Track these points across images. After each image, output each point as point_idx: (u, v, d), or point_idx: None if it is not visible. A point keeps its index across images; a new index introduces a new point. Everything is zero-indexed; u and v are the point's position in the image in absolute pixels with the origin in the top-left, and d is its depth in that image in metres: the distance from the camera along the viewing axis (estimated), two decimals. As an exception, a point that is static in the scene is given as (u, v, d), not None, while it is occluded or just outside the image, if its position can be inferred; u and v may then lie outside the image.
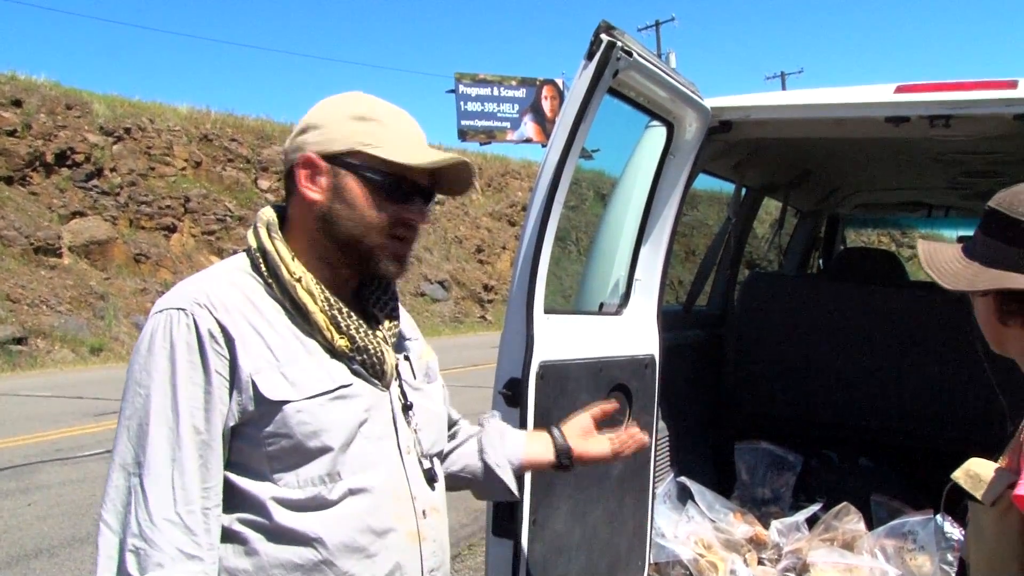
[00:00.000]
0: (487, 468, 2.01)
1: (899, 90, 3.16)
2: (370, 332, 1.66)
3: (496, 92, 32.18)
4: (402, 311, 1.93)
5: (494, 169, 35.08)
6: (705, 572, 3.21)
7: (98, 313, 18.64)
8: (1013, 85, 2.99)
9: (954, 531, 3.15)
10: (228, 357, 1.53)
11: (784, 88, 37.29)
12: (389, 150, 1.62)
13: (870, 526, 3.35)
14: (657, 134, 3.20)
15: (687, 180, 3.19)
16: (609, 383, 2.84)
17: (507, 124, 32.21)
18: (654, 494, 3.19)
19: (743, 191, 4.72)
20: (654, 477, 3.16)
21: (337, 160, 1.63)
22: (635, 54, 2.50)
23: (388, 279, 1.70)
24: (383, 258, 1.66)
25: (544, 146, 2.54)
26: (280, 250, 1.64)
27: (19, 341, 16.50)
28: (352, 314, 1.65)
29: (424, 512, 1.69)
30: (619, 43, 2.39)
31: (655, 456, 3.16)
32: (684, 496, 3.49)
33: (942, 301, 4.31)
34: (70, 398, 12.10)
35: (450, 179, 1.73)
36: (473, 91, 31.81)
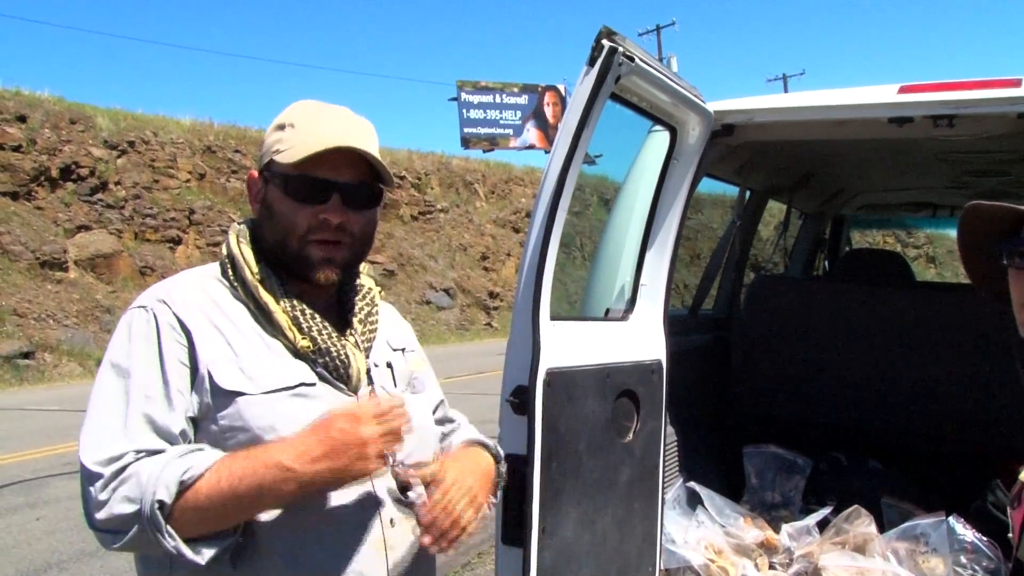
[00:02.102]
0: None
1: (902, 90, 3.15)
2: (335, 335, 1.65)
3: (498, 99, 32.23)
4: (398, 320, 1.96)
5: (497, 176, 35.12)
6: (716, 577, 3.19)
7: (105, 326, 18.66)
8: (1017, 83, 2.98)
9: (966, 533, 3.13)
10: (187, 346, 1.55)
11: (786, 90, 37.29)
12: (291, 152, 1.61)
13: (881, 529, 3.33)
14: (660, 139, 3.19)
15: (691, 184, 3.19)
16: (616, 389, 2.83)
17: (510, 131, 32.24)
18: (663, 500, 3.18)
19: (747, 194, 4.72)
20: (663, 482, 3.15)
21: (263, 174, 1.68)
22: (637, 59, 2.49)
23: (324, 285, 1.66)
24: (311, 264, 1.64)
25: (547, 152, 2.53)
26: (245, 253, 1.66)
27: (26, 355, 16.54)
28: (316, 316, 1.64)
29: (392, 521, 1.65)
30: (621, 48, 2.39)
31: (664, 462, 3.15)
32: (693, 501, 3.47)
33: (949, 301, 4.32)
34: (77, 412, 12.06)
35: (364, 169, 1.66)
36: (475, 98, 31.84)
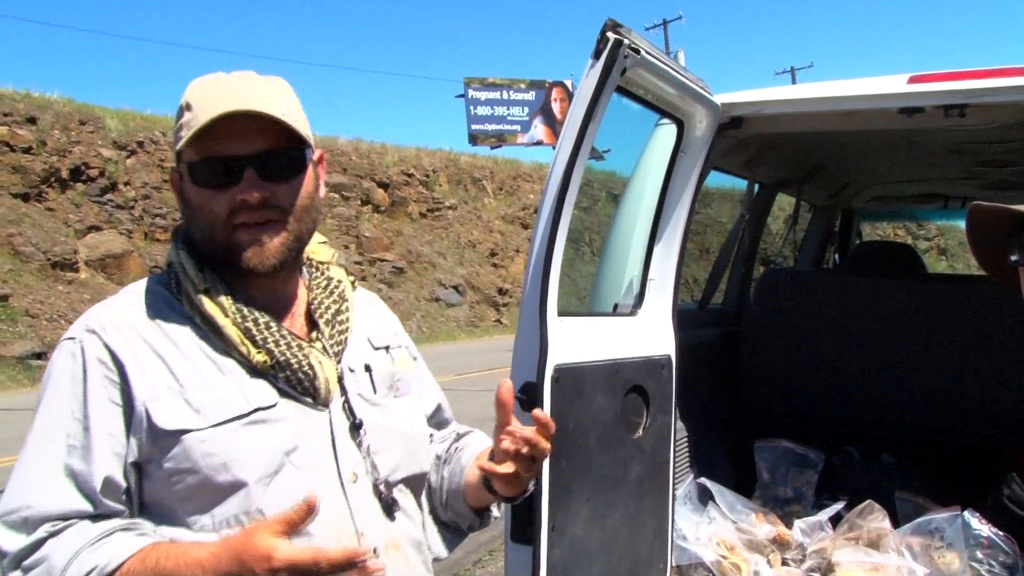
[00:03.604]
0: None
1: (912, 80, 3.11)
2: (295, 344, 1.47)
3: (505, 95, 32.17)
4: (382, 313, 1.77)
5: (505, 172, 35.11)
6: (728, 574, 3.17)
7: (116, 326, 18.72)
8: None
9: (982, 527, 3.10)
10: (119, 383, 1.38)
11: (794, 83, 37.10)
12: (189, 134, 1.41)
13: (895, 524, 3.30)
14: (667, 132, 3.16)
15: (699, 177, 3.16)
16: (625, 384, 2.81)
17: (517, 127, 32.19)
18: (674, 496, 3.16)
19: (756, 187, 4.68)
20: (674, 479, 3.13)
21: (178, 166, 1.50)
22: (642, 51, 2.46)
23: (257, 272, 1.46)
24: (240, 252, 1.44)
25: (555, 148, 2.51)
26: (185, 262, 1.48)
27: (39, 356, 16.61)
28: (272, 324, 1.46)
29: (375, 551, 1.45)
30: (626, 41, 2.36)
31: (674, 457, 3.13)
32: (705, 497, 3.44)
33: (961, 293, 4.28)
34: (89, 412, 12.14)
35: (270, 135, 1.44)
36: (483, 95, 31.80)
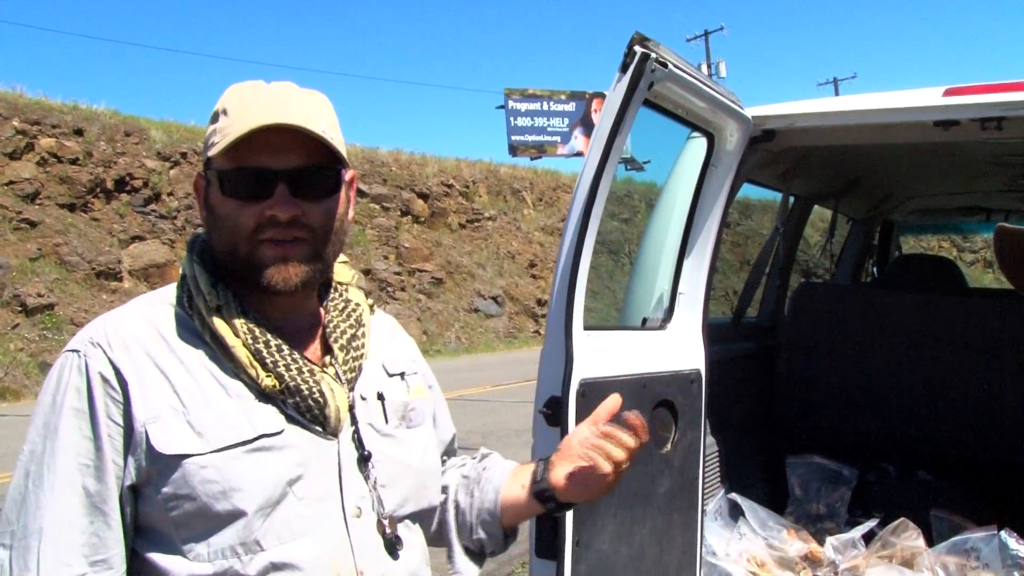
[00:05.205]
0: (448, 546, 1.70)
1: (948, 93, 3.07)
2: (307, 369, 1.40)
3: (546, 107, 32.22)
4: (399, 338, 1.72)
5: (545, 183, 35.09)
6: (758, 591, 3.14)
7: (158, 335, 18.99)
8: None
9: (1020, 548, 3.04)
10: (122, 402, 1.32)
11: (837, 94, 36.75)
12: (221, 143, 1.36)
13: (930, 542, 3.25)
14: (698, 145, 3.15)
15: (730, 191, 3.14)
16: (653, 399, 2.79)
17: (557, 138, 32.22)
18: (704, 511, 3.13)
19: (791, 200, 4.64)
20: (703, 494, 3.10)
21: (205, 173, 1.44)
22: (671, 65, 2.46)
23: (277, 291, 1.39)
24: (263, 268, 1.38)
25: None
26: (198, 275, 1.42)
27: (83, 364, 16.90)
28: (284, 347, 1.39)
29: None
30: (653, 54, 2.36)
31: (704, 472, 3.10)
32: (735, 513, 3.41)
33: (1001, 307, 4.20)
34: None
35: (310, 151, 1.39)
36: (523, 106, 31.88)
